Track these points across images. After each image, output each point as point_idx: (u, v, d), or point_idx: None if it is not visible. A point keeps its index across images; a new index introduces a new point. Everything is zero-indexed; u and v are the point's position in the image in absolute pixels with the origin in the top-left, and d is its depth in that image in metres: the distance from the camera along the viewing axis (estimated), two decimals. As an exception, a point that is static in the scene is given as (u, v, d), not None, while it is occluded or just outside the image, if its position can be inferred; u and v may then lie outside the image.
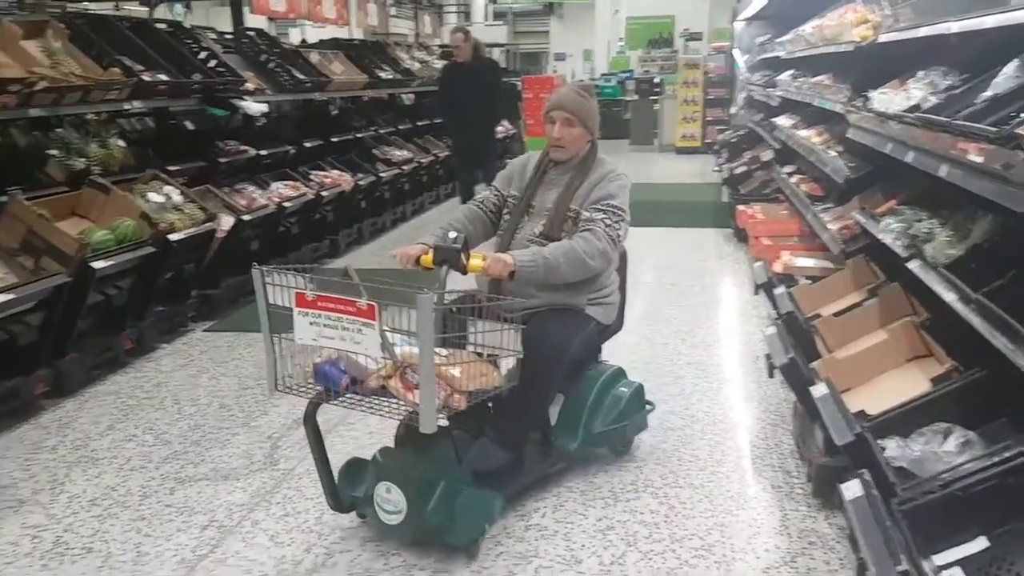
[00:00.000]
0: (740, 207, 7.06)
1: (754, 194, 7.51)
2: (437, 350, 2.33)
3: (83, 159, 4.69)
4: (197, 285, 5.26)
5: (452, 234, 2.65)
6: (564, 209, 2.93)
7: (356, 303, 2.21)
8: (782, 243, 5.48)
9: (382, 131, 8.90)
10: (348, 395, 2.45)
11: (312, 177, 6.86)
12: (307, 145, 7.16)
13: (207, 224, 4.99)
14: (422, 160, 8.96)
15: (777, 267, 4.71)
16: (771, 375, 3.78)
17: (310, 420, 2.57)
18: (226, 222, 5.25)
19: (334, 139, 7.67)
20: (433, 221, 9.00)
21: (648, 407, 3.41)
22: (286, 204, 6.02)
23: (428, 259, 2.70)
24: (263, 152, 6.37)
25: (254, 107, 5.98)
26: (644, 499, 3.03)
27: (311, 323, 2.31)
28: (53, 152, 4.61)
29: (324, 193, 6.66)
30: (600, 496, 3.05)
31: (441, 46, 12.06)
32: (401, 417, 2.48)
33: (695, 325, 5.09)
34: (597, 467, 3.26)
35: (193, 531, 2.88)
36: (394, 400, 2.40)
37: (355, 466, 2.81)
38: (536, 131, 14.23)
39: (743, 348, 4.66)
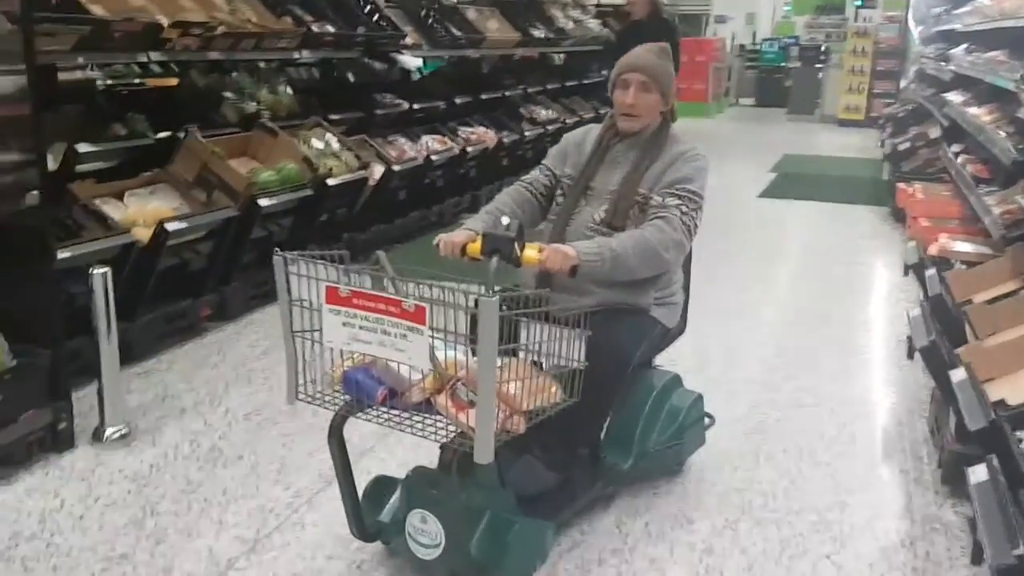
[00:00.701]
0: (900, 185, 6.73)
1: (917, 172, 7.14)
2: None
3: (254, 103, 5.04)
4: (347, 229, 5.55)
5: (505, 220, 2.25)
6: (630, 192, 2.51)
7: (402, 303, 1.82)
8: (941, 225, 5.20)
9: (530, 90, 8.98)
10: (384, 409, 2.07)
11: (459, 133, 7.04)
12: (457, 101, 7.35)
13: (360, 172, 5.25)
14: (567, 120, 8.99)
15: (933, 249, 4.50)
16: (910, 357, 3.65)
17: (336, 435, 2.18)
18: (377, 171, 5.50)
19: (483, 96, 7.82)
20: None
21: (707, 421, 3.00)
22: (433, 157, 6.22)
23: (476, 247, 2.28)
24: (416, 106, 6.59)
25: (411, 61, 6.19)
26: (764, 470, 3.02)
27: (344, 323, 1.91)
28: (228, 95, 4.97)
29: (469, 149, 6.83)
30: (719, 463, 3.06)
31: (597, 5, 11.96)
32: (447, 440, 2.05)
33: (837, 302, 4.94)
34: (716, 435, 3.26)
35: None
36: (439, 418, 2.03)
37: (382, 486, 2.42)
38: (689, 95, 13.96)
39: (886, 330, 4.49)
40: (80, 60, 3.85)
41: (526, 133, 7.97)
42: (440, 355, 1.97)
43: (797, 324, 4.60)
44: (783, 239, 6.65)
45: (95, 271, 3.02)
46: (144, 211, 3.93)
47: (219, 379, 3.74)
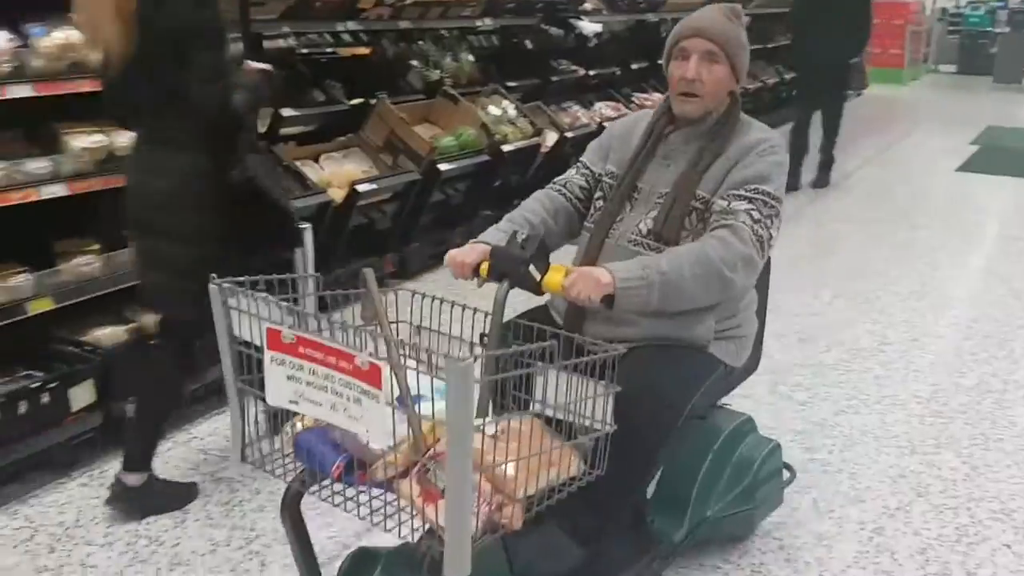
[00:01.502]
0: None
1: None
2: (480, 423, 1.40)
3: (438, 71, 5.24)
4: (520, 195, 5.67)
5: (521, 233, 1.80)
6: (687, 195, 1.96)
7: (355, 358, 1.33)
8: None
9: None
10: (343, 485, 1.51)
11: (634, 99, 6.99)
12: (633, 67, 7.28)
13: (534, 138, 5.36)
14: (748, 87, 8.71)
15: None
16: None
17: (289, 512, 1.67)
18: (550, 138, 5.58)
19: (660, 61, 7.67)
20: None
21: (786, 476, 2.44)
22: (605, 124, 6.22)
23: (486, 269, 1.84)
24: (591, 72, 6.60)
25: (589, 27, 6.20)
26: (944, 455, 2.89)
27: (289, 377, 1.43)
28: (414, 63, 5.20)
29: (645, 115, 6.77)
30: (896, 445, 2.95)
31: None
32: (417, 535, 1.43)
33: (1038, 287, 4.57)
34: (893, 416, 3.14)
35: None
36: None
37: (362, 564, 1.81)
38: (882, 60, 13.10)
39: (1094, 318, 4.12)
40: (285, 28, 4.16)
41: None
42: (429, 408, 1.39)
43: (991, 306, 4.30)
44: (981, 215, 6.18)
45: (299, 227, 3.28)
46: (338, 173, 4.22)
47: (402, 330, 3.96)
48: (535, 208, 2.11)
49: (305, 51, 5.01)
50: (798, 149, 6.63)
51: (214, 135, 2.36)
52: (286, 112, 4.15)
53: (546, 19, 6.08)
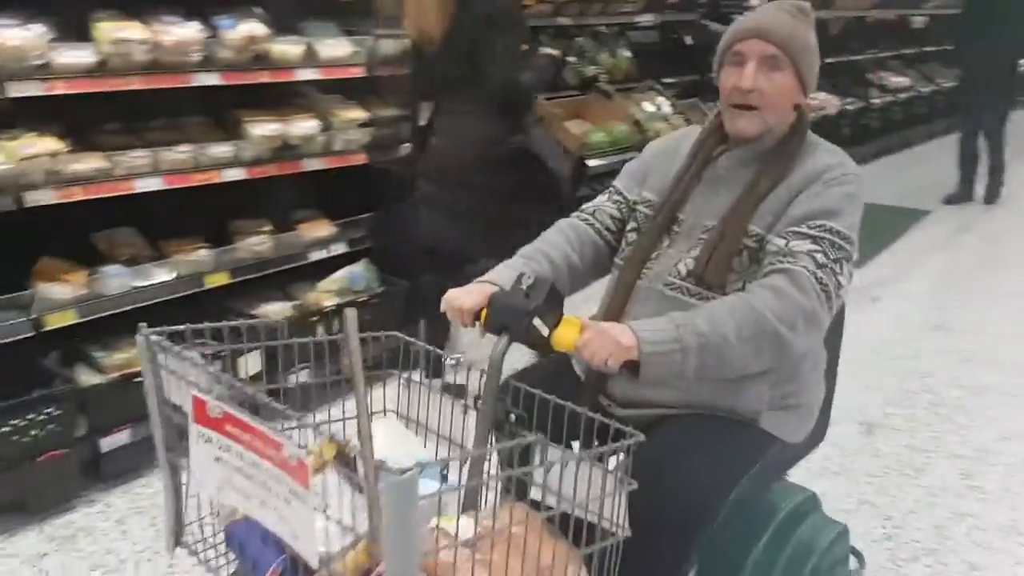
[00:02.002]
0: None
1: None
2: (463, 518, 1.21)
3: (593, 67, 5.26)
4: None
5: (527, 277, 1.48)
6: (737, 230, 1.62)
7: (283, 446, 1.05)
8: None
9: (882, 54, 8.32)
10: None
11: (798, 98, 6.75)
12: (799, 65, 7.03)
13: (690, 135, 5.28)
14: (922, 89, 8.22)
15: None
16: None
17: None
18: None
19: (828, 60, 7.39)
20: (926, 156, 8.28)
21: (854, 564, 2.05)
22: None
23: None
24: (753, 69, 6.42)
25: (752, 24, 6.04)
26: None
27: (216, 458, 1.15)
28: (571, 59, 5.23)
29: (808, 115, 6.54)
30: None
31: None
32: None
33: None
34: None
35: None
36: None
37: None
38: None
39: None
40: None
41: (873, 101, 7.44)
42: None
43: None
44: None
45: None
46: (490, 165, 4.32)
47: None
48: (556, 241, 1.78)
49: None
50: (968, 159, 6.36)
51: (505, 108, 2.89)
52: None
53: (708, 14, 5.98)
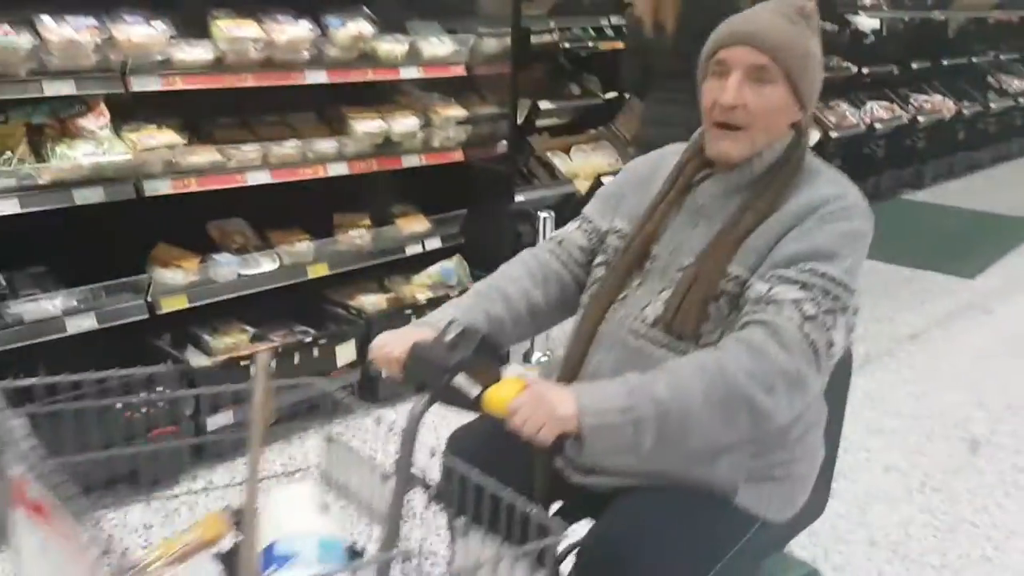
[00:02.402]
0: None
1: None
2: None
3: (696, 66, 5.18)
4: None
5: (455, 325, 1.29)
6: (714, 271, 1.38)
7: (78, 535, 0.88)
8: None
9: (1003, 57, 7.90)
10: None
11: (911, 100, 6.49)
12: (913, 66, 6.75)
13: (794, 138, 5.15)
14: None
15: None
16: None
17: None
18: (812, 137, 5.33)
19: (944, 62, 7.08)
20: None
21: None
22: (877, 126, 5.85)
23: None
24: (864, 70, 6.21)
25: (866, 22, 5.85)
26: None
27: (42, 548, 0.96)
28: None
29: (920, 119, 6.28)
30: None
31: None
32: None
33: None
34: None
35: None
36: None
37: None
38: None
39: None
40: (551, 24, 4.32)
41: (991, 105, 7.08)
42: None
43: None
44: None
45: (541, 214, 3.43)
46: (585, 165, 4.33)
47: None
48: (516, 275, 1.56)
49: (567, 45, 5.15)
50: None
51: None
52: (543, 104, 4.31)
53: (820, 14, 5.81)
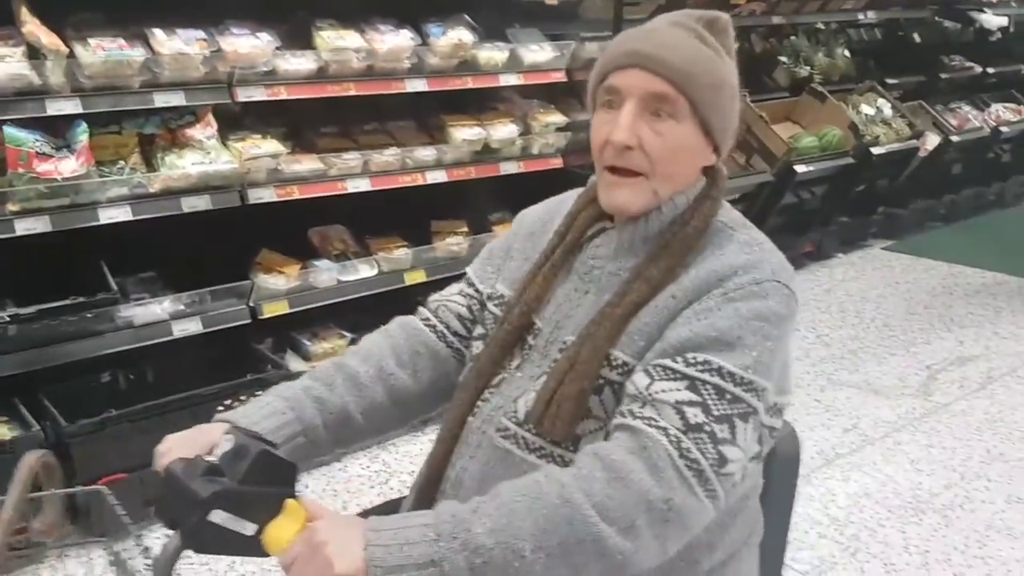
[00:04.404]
0: None
1: None
2: None
3: (807, 67, 4.99)
4: (885, 202, 5.24)
5: (226, 440, 1.02)
6: (596, 357, 1.10)
7: None
8: None
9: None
10: None
11: (1042, 101, 6.06)
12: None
13: (911, 141, 4.89)
14: None
15: None
16: None
17: None
18: (931, 141, 5.06)
19: (990, 69, 6.56)
20: None
21: None
22: (1003, 129, 5.49)
23: None
24: (990, 70, 5.85)
25: (993, 20, 5.50)
26: None
27: None
28: (782, 59, 4.99)
29: (1052, 121, 5.86)
30: None
31: None
32: None
33: None
34: None
35: (835, 431, 3.04)
36: None
37: None
38: None
39: None
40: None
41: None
42: None
43: None
44: None
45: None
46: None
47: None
48: (377, 352, 1.27)
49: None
50: None
51: None
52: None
53: (941, 11, 5.50)
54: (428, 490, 1.20)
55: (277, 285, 2.80)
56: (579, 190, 1.28)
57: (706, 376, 1.02)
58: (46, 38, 2.28)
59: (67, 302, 2.36)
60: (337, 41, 2.76)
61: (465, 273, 1.36)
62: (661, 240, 1.14)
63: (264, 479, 0.96)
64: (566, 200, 1.29)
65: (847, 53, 5.24)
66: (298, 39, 2.78)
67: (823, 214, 4.82)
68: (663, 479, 0.97)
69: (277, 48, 2.65)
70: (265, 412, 1.16)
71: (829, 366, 3.55)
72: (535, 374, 1.15)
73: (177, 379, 2.53)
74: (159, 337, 2.52)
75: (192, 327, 2.57)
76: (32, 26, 2.29)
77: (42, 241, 2.30)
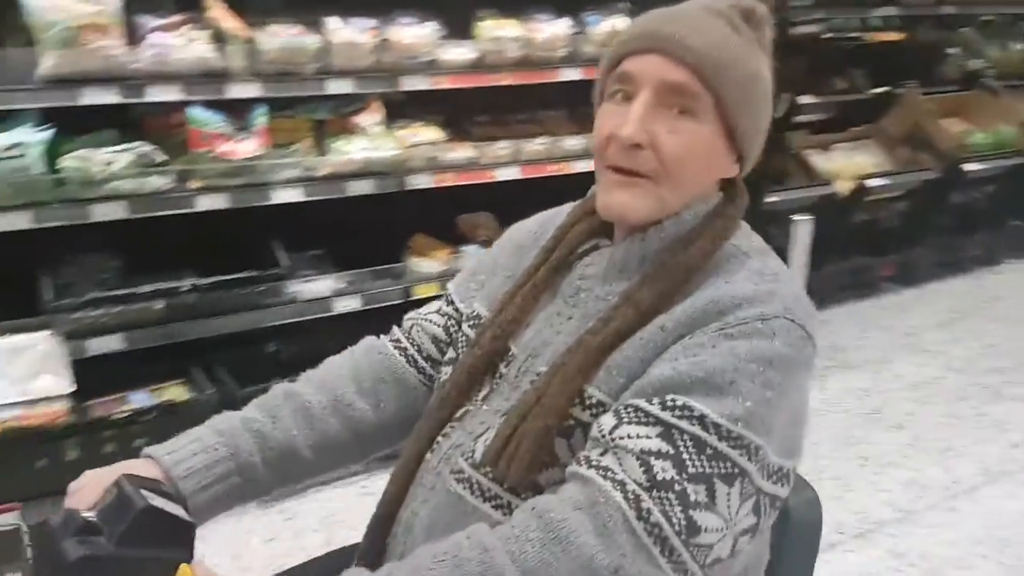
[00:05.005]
0: None
1: None
2: None
3: (980, 60, 4.69)
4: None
5: (108, 491, 0.89)
6: (565, 395, 0.93)
7: None
8: None
9: None
10: None
11: None
12: None
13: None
14: None
15: None
16: None
17: None
18: None
19: None
20: None
21: None
22: None
23: None
24: None
25: None
26: None
27: None
28: (952, 51, 4.71)
29: None
30: None
31: None
32: None
33: None
34: None
35: (1002, 445, 2.85)
36: None
37: None
38: None
39: None
40: (819, 14, 4.08)
41: None
42: None
43: None
44: None
45: (799, 219, 3.23)
46: (847, 165, 4.04)
47: (889, 343, 3.69)
48: (334, 377, 1.15)
49: (830, 35, 4.85)
50: None
51: None
52: (804, 100, 4.08)
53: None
54: (379, 533, 1.06)
55: (429, 268, 2.88)
56: (564, 209, 1.14)
57: (684, 424, 0.84)
58: (229, 23, 2.41)
59: (240, 275, 2.51)
60: (496, 31, 2.80)
61: (446, 289, 1.21)
62: (659, 260, 0.97)
63: (150, 540, 0.82)
64: (564, 212, 1.13)
65: (1022, 47, 4.90)
66: (460, 29, 2.84)
67: (993, 216, 4.52)
68: (612, 544, 0.80)
69: (440, 37, 2.71)
70: (194, 448, 1.01)
71: (996, 378, 3.33)
72: (502, 408, 1.00)
73: (335, 353, 2.64)
74: (321, 312, 2.64)
75: (352, 304, 2.68)
76: (216, 11, 2.42)
77: (220, 217, 2.45)
